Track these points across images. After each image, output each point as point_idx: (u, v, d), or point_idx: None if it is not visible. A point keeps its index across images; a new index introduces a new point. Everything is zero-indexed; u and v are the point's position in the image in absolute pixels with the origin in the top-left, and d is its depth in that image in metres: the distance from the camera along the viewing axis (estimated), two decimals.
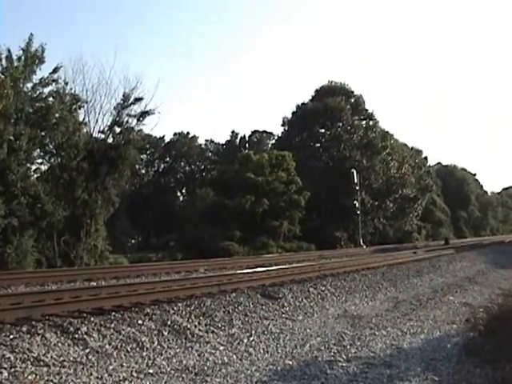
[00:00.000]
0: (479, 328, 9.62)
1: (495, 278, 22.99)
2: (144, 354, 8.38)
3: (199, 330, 10.03)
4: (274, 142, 64.77)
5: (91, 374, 7.11)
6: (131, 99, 30.27)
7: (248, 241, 40.19)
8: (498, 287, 19.68)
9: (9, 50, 25.94)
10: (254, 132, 70.09)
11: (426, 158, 77.44)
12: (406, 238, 62.26)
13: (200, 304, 11.50)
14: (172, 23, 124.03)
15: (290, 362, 8.26)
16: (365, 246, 48.52)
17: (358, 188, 51.08)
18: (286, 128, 58.92)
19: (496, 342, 8.27)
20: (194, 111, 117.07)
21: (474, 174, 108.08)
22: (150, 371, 7.48)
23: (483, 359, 7.90)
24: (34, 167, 27.91)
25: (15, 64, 25.98)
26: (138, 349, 8.55)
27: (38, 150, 27.71)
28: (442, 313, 13.43)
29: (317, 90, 59.22)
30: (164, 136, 67.54)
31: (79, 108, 29.77)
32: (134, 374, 7.27)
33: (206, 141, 71.45)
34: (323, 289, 15.52)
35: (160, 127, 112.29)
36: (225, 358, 8.44)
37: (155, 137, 62.21)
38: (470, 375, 7.35)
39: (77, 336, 8.49)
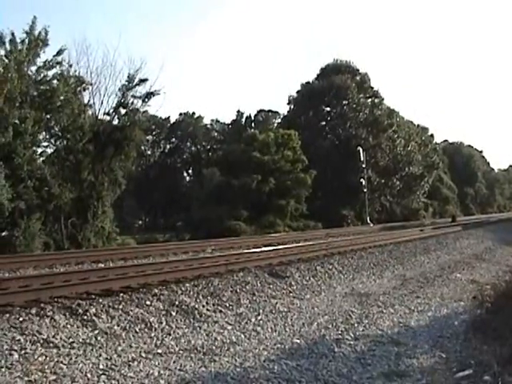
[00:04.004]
0: (486, 305, 9.61)
1: (502, 255, 22.96)
2: (152, 334, 8.43)
3: (207, 309, 10.08)
4: (279, 120, 64.51)
5: (100, 355, 7.16)
6: (136, 80, 30.17)
7: (255, 220, 40.28)
8: (505, 264, 19.67)
9: (12, 34, 25.83)
10: (260, 111, 69.66)
11: (432, 135, 77.08)
12: (413, 215, 62.17)
13: (207, 284, 11.54)
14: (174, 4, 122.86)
15: (298, 341, 8.29)
16: (372, 224, 48.51)
17: (364, 166, 50.96)
18: (292, 107, 58.74)
19: (503, 319, 8.26)
20: (200, 91, 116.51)
21: (481, 151, 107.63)
22: (159, 351, 7.52)
23: (490, 336, 7.90)
24: (39, 150, 28.01)
25: (19, 47, 25.85)
26: (146, 329, 8.60)
27: (44, 133, 27.73)
28: (449, 290, 13.43)
29: (322, 69, 58.90)
30: (169, 117, 67.22)
31: (84, 90, 29.73)
32: (143, 355, 7.31)
33: (212, 121, 71.12)
34: (330, 267, 15.55)
35: (165, 108, 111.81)
36: (233, 337, 8.48)
37: (161, 118, 62.02)
38: (477, 352, 7.36)
39: (85, 317, 8.55)
